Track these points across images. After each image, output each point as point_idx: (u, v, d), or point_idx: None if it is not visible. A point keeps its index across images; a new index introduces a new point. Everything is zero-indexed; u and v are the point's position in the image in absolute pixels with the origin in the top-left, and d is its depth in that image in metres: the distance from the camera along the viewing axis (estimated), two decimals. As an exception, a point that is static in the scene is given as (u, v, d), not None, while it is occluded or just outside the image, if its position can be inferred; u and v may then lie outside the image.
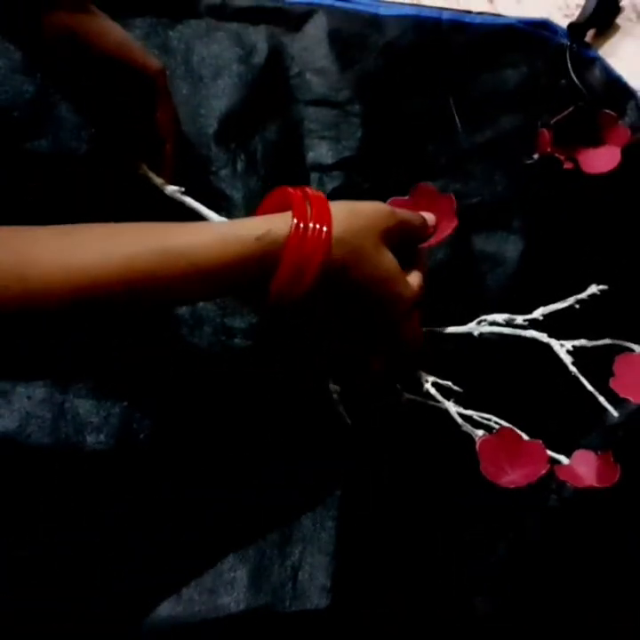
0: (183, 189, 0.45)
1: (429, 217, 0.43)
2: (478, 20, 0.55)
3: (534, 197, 0.51)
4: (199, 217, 0.45)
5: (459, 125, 0.52)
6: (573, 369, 0.43)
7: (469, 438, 0.43)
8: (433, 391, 0.44)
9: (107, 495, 0.43)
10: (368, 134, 0.51)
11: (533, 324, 0.46)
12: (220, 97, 0.51)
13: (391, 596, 0.43)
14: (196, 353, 0.46)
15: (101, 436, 0.44)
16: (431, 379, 0.45)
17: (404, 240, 0.40)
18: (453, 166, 0.51)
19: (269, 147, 0.51)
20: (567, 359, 0.44)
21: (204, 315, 0.47)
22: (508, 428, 0.43)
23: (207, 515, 0.44)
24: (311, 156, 0.51)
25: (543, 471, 0.41)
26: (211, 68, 0.51)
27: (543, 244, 0.51)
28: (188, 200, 0.45)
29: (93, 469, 0.43)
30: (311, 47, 0.53)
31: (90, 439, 0.44)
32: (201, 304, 0.47)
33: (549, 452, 0.43)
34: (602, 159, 0.51)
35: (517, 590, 0.45)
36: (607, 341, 0.44)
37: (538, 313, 0.46)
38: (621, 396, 0.42)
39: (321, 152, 0.51)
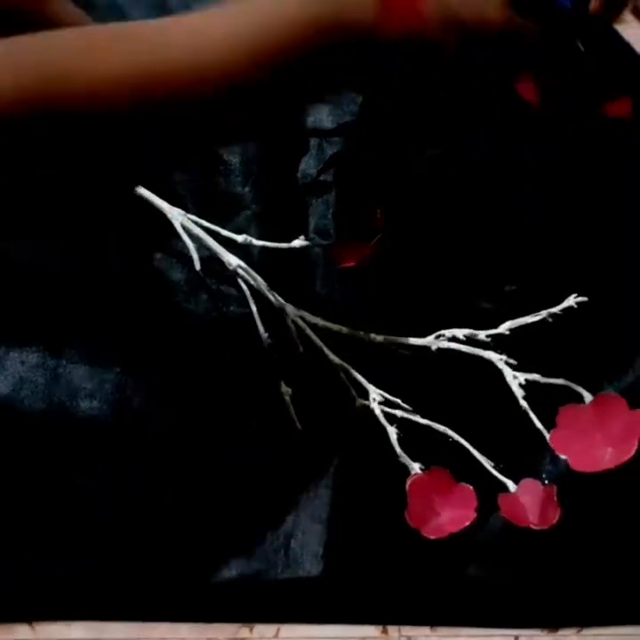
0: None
1: None
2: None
3: (539, 163, 0.51)
4: (151, 208, 0.45)
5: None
6: (524, 403, 0.41)
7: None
8: (378, 411, 0.43)
9: (99, 461, 0.43)
10: (369, 100, 0.51)
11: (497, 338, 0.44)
12: (218, 59, 0.50)
13: (383, 564, 0.44)
14: (191, 320, 0.46)
15: (95, 402, 0.44)
16: (378, 397, 0.43)
17: None
18: (455, 131, 0.51)
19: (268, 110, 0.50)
20: (519, 393, 0.41)
21: (199, 282, 0.47)
22: (440, 468, 0.41)
23: (199, 482, 0.44)
24: (311, 120, 0.50)
25: (468, 521, 0.39)
26: (209, 29, 0.50)
27: (551, 212, 0.50)
28: (140, 190, 0.44)
29: (86, 435, 0.43)
30: (312, 9, 0.52)
31: (83, 405, 0.44)
32: (197, 270, 0.46)
33: (498, 475, 0.42)
34: None
35: (512, 557, 0.45)
36: (560, 381, 0.41)
37: (504, 327, 0.44)
38: (560, 453, 0.39)
39: (321, 117, 0.51)
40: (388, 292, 0.48)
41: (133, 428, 0.44)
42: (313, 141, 0.50)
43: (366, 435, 0.45)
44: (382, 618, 0.44)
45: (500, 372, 0.43)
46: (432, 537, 0.40)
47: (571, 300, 0.44)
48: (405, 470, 0.42)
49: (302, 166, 0.50)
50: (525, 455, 0.45)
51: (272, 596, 0.43)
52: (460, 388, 0.46)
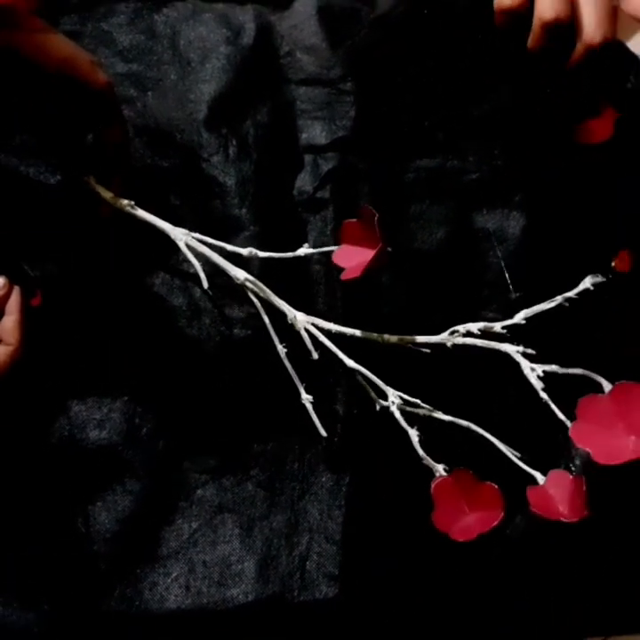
0: (133, 203, 0.44)
1: None
2: (472, -13, 0.53)
3: (535, 171, 0.50)
4: (152, 230, 0.45)
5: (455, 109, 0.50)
6: (544, 395, 0.41)
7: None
8: (397, 414, 0.43)
9: (109, 490, 0.43)
10: (362, 112, 0.50)
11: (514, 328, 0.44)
12: (208, 81, 0.50)
13: (399, 584, 0.43)
14: (195, 344, 0.46)
15: (104, 433, 0.44)
16: (397, 399, 0.43)
17: None
18: (451, 142, 0.50)
19: (261, 130, 0.49)
20: (538, 385, 0.41)
21: (201, 305, 0.47)
22: (463, 469, 0.41)
23: (212, 506, 0.44)
24: (304, 137, 0.50)
25: (496, 521, 0.39)
26: (198, 52, 0.50)
27: (546, 219, 0.49)
28: (140, 212, 0.44)
29: (96, 465, 0.44)
30: (300, 25, 0.52)
31: (92, 435, 0.44)
32: (198, 294, 0.47)
33: (525, 467, 0.42)
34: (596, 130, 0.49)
35: (537, 562, 0.45)
36: (579, 371, 0.40)
37: (520, 317, 0.44)
38: (580, 446, 0.37)
39: (314, 133, 0.50)
40: (392, 303, 0.48)
41: (143, 456, 0.44)
42: (307, 158, 0.49)
43: (383, 443, 0.44)
44: (403, 638, 0.43)
45: (518, 364, 0.42)
46: (460, 539, 0.40)
47: (587, 283, 0.44)
48: (420, 477, 0.42)
49: (298, 183, 0.49)
50: (551, 447, 0.45)
51: (289, 619, 0.43)
52: (479, 384, 0.46)
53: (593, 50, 0.44)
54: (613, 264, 0.46)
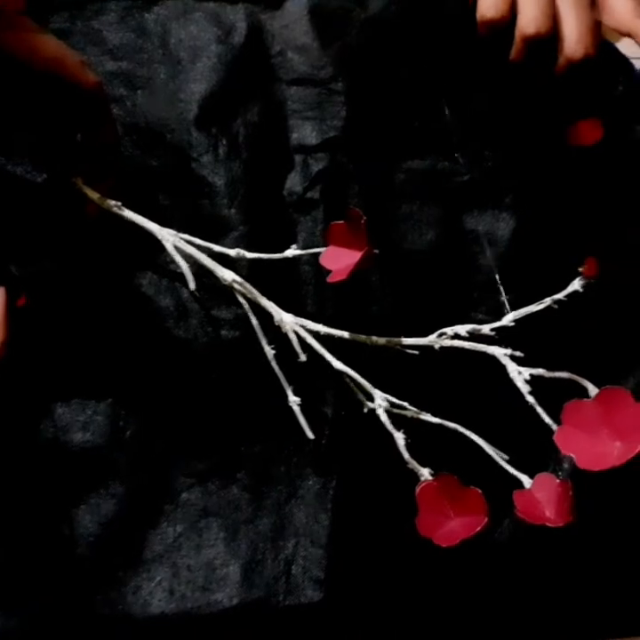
0: (120, 203, 0.44)
1: None
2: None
3: (526, 173, 0.50)
4: (139, 230, 0.44)
5: (446, 110, 0.50)
6: (530, 399, 0.40)
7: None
8: (384, 417, 0.42)
9: (94, 493, 0.43)
10: (353, 113, 0.50)
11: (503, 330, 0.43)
12: (199, 80, 0.49)
13: (386, 589, 0.43)
14: (182, 345, 0.46)
15: (88, 435, 0.44)
16: (384, 402, 0.42)
17: None
18: (441, 143, 0.50)
19: (251, 129, 0.49)
20: (524, 388, 0.40)
21: (189, 306, 0.46)
22: (448, 474, 0.40)
23: (197, 510, 0.43)
24: (295, 137, 0.49)
25: (480, 526, 0.38)
26: (189, 50, 0.50)
27: (536, 221, 0.49)
28: (127, 213, 0.44)
29: (80, 468, 0.43)
30: (292, 24, 0.51)
31: (76, 438, 0.43)
32: (186, 295, 0.46)
33: (512, 471, 0.41)
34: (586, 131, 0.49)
35: (524, 565, 0.44)
36: (565, 375, 0.40)
37: (508, 319, 0.44)
38: (565, 452, 0.37)
39: (305, 133, 0.50)
40: (382, 304, 0.47)
41: (127, 458, 0.43)
42: (297, 158, 0.49)
43: (371, 446, 0.44)
44: (389, 643, 0.43)
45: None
46: (444, 545, 0.39)
47: (576, 284, 0.44)
48: (409, 481, 0.41)
49: (288, 184, 0.49)
50: (539, 451, 0.44)
51: (274, 623, 0.42)
52: (467, 386, 0.45)
53: (574, 64, 0.44)
54: (581, 270, 0.46)
